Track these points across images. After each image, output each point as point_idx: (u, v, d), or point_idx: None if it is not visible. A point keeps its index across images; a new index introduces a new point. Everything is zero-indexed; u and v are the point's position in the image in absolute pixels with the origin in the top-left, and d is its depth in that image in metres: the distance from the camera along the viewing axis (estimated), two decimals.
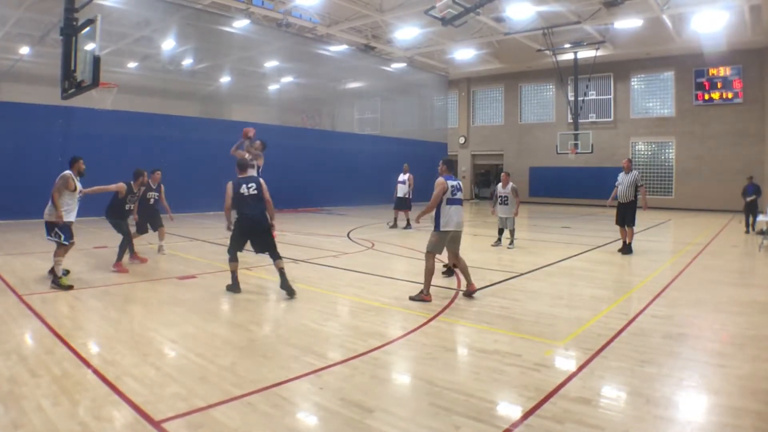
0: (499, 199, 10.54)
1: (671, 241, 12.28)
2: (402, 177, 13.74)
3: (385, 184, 15.44)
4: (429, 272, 6.02)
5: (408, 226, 13.64)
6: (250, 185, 6.23)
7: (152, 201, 8.95)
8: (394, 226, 13.87)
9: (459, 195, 6.23)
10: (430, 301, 5.92)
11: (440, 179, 6.16)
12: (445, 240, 6.20)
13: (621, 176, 10.07)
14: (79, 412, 3.07)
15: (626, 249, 9.82)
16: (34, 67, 19.49)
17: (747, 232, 13.68)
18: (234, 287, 6.31)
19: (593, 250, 10.26)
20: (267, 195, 6.31)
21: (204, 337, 4.58)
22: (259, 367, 3.90)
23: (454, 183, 6.20)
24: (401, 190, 13.64)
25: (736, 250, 10.41)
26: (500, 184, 10.58)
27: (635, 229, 10.07)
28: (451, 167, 6.49)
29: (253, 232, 6.25)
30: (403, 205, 13.69)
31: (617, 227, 10.11)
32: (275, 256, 6.25)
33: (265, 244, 6.30)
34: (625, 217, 9.85)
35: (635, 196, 9.80)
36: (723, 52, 20.81)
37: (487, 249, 10.38)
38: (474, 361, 4.11)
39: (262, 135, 19.83)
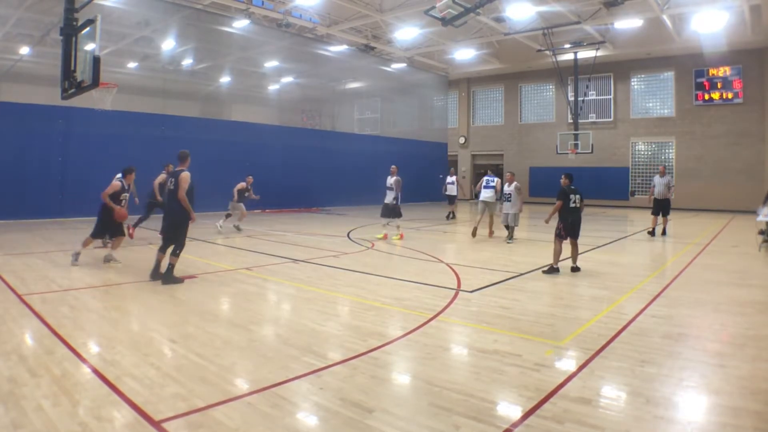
0: (503, 197, 11.34)
1: (671, 241, 12.28)
2: (450, 179, 17.56)
3: (385, 183, 15.45)
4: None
5: (452, 216, 17.19)
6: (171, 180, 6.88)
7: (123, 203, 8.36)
8: (450, 216, 17.24)
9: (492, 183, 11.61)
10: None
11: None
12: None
13: (657, 178, 12.76)
14: (79, 412, 3.07)
15: (663, 232, 12.73)
16: (34, 67, 19.50)
17: None
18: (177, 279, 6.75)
19: (593, 250, 10.26)
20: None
21: (204, 337, 4.58)
22: (259, 367, 3.90)
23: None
24: (451, 190, 17.39)
25: (736, 250, 10.41)
26: (506, 183, 11.41)
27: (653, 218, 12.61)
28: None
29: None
30: (453, 201, 17.59)
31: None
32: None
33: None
34: (663, 209, 12.50)
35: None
36: (723, 52, 20.80)
37: (486, 249, 10.38)
38: (474, 361, 4.11)
39: (263, 135, 19.95)
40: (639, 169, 24.55)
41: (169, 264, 6.70)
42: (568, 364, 4.09)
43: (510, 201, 11.14)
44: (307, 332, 4.76)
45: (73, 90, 8.27)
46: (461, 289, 6.56)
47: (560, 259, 7.82)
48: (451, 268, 8.07)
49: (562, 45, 21.90)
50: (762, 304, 5.99)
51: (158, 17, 18.06)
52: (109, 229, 8.18)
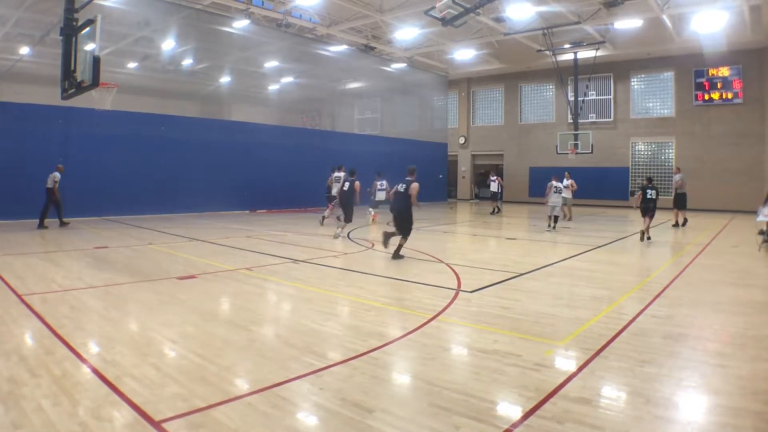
0: (555, 189, 13.61)
1: (671, 241, 12.28)
2: (492, 178, 19.97)
3: (385, 183, 15.47)
4: None
5: (497, 211, 19.57)
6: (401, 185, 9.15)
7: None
8: (495, 212, 19.44)
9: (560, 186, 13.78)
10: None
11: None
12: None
13: (675, 177, 15.39)
14: (79, 412, 3.07)
15: (684, 223, 14.80)
16: (34, 67, 19.46)
17: None
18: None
19: (593, 250, 10.26)
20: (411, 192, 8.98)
21: (204, 337, 4.58)
22: (259, 367, 3.90)
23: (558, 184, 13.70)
24: (494, 187, 19.72)
25: (736, 250, 10.41)
26: (553, 181, 13.87)
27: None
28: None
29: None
30: (496, 197, 19.92)
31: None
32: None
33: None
34: (678, 203, 14.86)
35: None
36: (723, 52, 20.80)
37: (487, 249, 10.39)
38: (474, 361, 4.11)
39: (263, 135, 19.96)
40: (639, 169, 24.54)
41: (399, 245, 8.91)
42: (568, 364, 4.09)
43: (560, 194, 13.75)
44: (307, 332, 4.76)
45: (73, 90, 8.29)
46: (461, 289, 6.56)
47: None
48: (451, 268, 8.07)
49: (562, 45, 21.89)
50: (762, 304, 5.99)
51: (158, 17, 18.04)
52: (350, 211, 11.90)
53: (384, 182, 14.70)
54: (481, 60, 26.32)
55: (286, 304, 6.14)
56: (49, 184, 12.68)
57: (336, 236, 11.56)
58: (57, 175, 12.79)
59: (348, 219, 11.87)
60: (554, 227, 13.56)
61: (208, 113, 22.97)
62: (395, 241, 8.96)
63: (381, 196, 14.90)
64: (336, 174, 14.60)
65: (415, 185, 8.91)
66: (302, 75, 25.16)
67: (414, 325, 4.98)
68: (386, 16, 19.52)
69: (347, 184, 11.84)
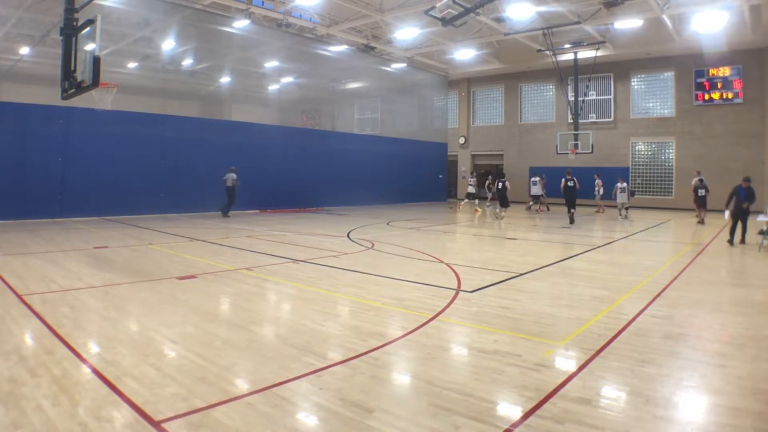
0: (619, 189, 17.89)
1: (671, 241, 12.28)
2: (534, 179, 22.02)
3: (385, 183, 15.50)
4: None
5: (533, 207, 22.19)
6: (569, 181, 15.74)
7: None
8: (530, 209, 22.06)
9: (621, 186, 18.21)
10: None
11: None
12: None
13: (696, 180, 17.34)
14: (79, 412, 3.07)
15: (702, 222, 16.47)
16: (34, 67, 19.47)
17: None
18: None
19: (593, 250, 10.26)
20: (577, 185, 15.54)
21: (204, 337, 4.58)
22: (259, 367, 3.90)
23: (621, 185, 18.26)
24: (534, 189, 21.63)
25: (736, 250, 10.41)
26: (618, 183, 18.06)
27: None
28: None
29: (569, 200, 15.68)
30: (537, 199, 21.81)
31: (627, 222, 16.96)
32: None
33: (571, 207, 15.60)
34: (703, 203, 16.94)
35: (706, 191, 16.92)
36: (723, 52, 20.81)
37: (487, 249, 10.40)
38: (474, 361, 4.10)
39: (263, 135, 19.98)
40: (639, 169, 24.54)
41: (574, 218, 15.14)
42: (568, 364, 4.09)
43: (625, 192, 17.76)
44: (307, 332, 4.76)
45: (73, 90, 8.29)
46: (461, 289, 6.56)
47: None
48: (451, 268, 8.07)
49: (562, 45, 21.89)
50: (762, 304, 5.99)
51: (158, 17, 18.06)
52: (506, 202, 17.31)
53: (473, 179, 21.14)
54: (481, 60, 26.32)
55: (286, 304, 6.15)
56: (229, 183, 15.87)
57: (498, 217, 16.86)
58: (233, 175, 15.90)
59: (504, 206, 17.19)
60: (625, 216, 17.76)
61: (208, 113, 22.97)
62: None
63: (471, 189, 20.83)
64: (470, 179, 21.40)
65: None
66: (302, 75, 25.17)
67: (414, 325, 4.98)
68: (386, 16, 19.53)
69: (500, 184, 17.01)
